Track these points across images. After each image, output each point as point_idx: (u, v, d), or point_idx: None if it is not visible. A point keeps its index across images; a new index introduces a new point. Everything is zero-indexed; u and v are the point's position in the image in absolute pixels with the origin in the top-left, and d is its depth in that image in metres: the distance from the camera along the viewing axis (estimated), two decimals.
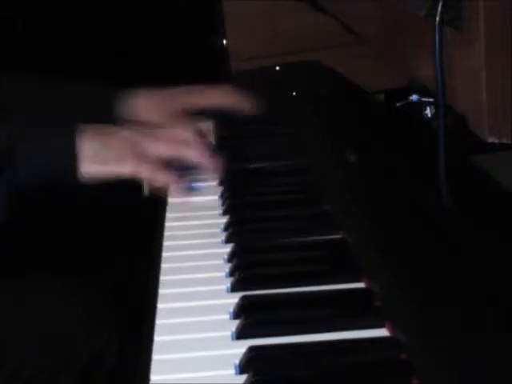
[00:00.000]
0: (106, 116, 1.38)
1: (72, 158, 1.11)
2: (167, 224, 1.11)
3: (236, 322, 0.84)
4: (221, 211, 1.13)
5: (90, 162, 1.11)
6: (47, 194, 1.15)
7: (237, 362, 0.77)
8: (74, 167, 1.11)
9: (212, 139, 1.43)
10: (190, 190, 1.18)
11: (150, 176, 1.12)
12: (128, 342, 1.19)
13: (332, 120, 1.38)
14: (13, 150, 1.10)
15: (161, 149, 1.13)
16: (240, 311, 0.85)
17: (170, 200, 1.18)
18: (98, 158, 1.11)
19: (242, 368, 0.76)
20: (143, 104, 1.38)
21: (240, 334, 0.82)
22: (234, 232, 1.05)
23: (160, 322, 0.86)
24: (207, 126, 1.48)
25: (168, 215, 1.13)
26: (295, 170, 1.25)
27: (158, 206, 1.17)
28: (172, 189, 1.17)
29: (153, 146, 1.13)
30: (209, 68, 1.51)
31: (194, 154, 1.15)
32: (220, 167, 1.17)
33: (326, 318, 0.84)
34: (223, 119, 1.41)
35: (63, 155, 1.11)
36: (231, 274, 0.94)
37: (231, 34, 1.92)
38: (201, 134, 1.21)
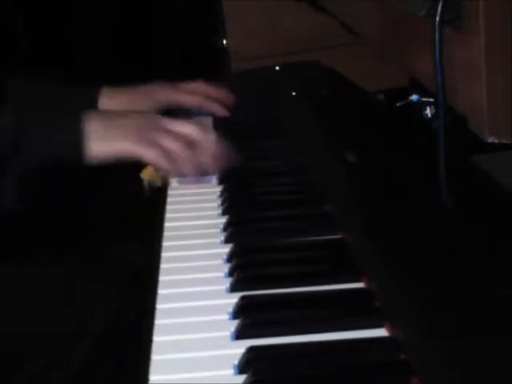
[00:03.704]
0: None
1: (78, 135, 1.13)
2: (167, 224, 1.10)
3: (235, 322, 0.84)
4: (220, 211, 1.13)
5: (96, 139, 1.14)
6: (51, 178, 1.18)
7: (236, 362, 0.77)
8: (80, 143, 1.13)
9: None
10: (198, 182, 1.20)
11: (153, 160, 1.15)
12: (128, 342, 1.19)
13: (332, 120, 1.37)
14: (20, 134, 1.12)
15: (167, 142, 1.15)
16: (239, 311, 0.85)
17: (170, 200, 1.18)
18: (105, 136, 1.14)
19: (242, 368, 0.76)
20: (117, 102, 1.42)
21: (239, 334, 0.82)
22: (234, 232, 1.05)
23: (159, 322, 0.86)
24: (207, 123, 1.49)
25: (167, 215, 1.13)
26: (295, 169, 1.25)
27: (157, 206, 1.17)
28: (176, 179, 1.20)
29: (160, 136, 1.15)
30: (209, 68, 1.51)
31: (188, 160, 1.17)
32: (228, 160, 1.19)
33: (326, 318, 0.84)
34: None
35: (70, 132, 1.14)
36: (230, 274, 0.94)
37: (231, 34, 1.92)
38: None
